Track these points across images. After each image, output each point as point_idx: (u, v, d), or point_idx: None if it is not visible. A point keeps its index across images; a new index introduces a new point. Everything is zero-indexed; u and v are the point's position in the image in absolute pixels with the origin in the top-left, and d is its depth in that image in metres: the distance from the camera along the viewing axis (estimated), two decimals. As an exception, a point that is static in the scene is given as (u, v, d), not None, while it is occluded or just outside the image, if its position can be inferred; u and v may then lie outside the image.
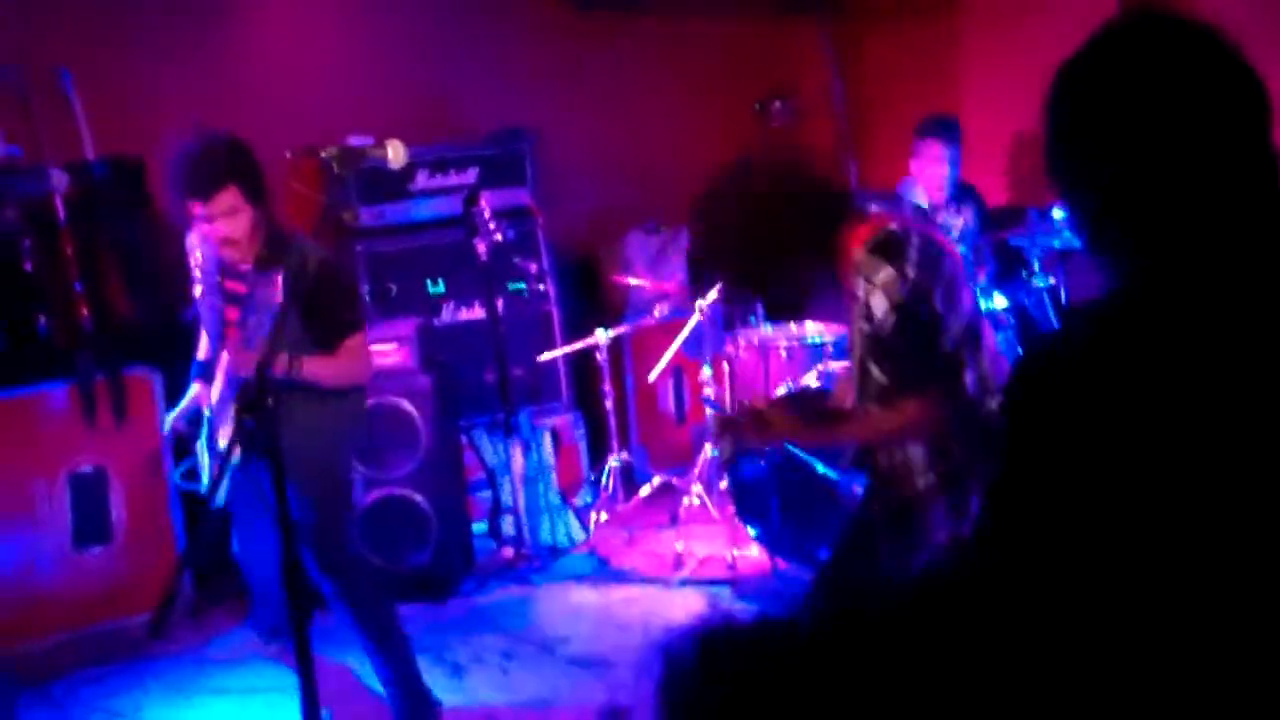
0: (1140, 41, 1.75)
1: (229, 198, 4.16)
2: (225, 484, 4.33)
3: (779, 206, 3.38)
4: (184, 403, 4.61)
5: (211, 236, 4.23)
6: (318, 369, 4.21)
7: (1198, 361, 1.64)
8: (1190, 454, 1.63)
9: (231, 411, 3.62)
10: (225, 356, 4.36)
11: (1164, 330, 1.68)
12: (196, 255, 4.50)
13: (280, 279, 3.48)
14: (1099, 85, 1.76)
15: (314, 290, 4.10)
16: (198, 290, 4.51)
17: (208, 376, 4.52)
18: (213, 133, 4.26)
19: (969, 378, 3.40)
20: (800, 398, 5.52)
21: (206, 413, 4.51)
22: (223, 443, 3.97)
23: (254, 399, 3.15)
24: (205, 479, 4.58)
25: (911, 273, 3.33)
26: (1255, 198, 1.72)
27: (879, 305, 3.31)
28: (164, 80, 6.18)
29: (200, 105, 6.13)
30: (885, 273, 3.31)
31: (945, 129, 6.38)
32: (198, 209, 4.17)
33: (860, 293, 3.34)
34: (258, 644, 5.35)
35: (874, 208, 3.63)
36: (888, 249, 3.36)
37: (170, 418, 4.64)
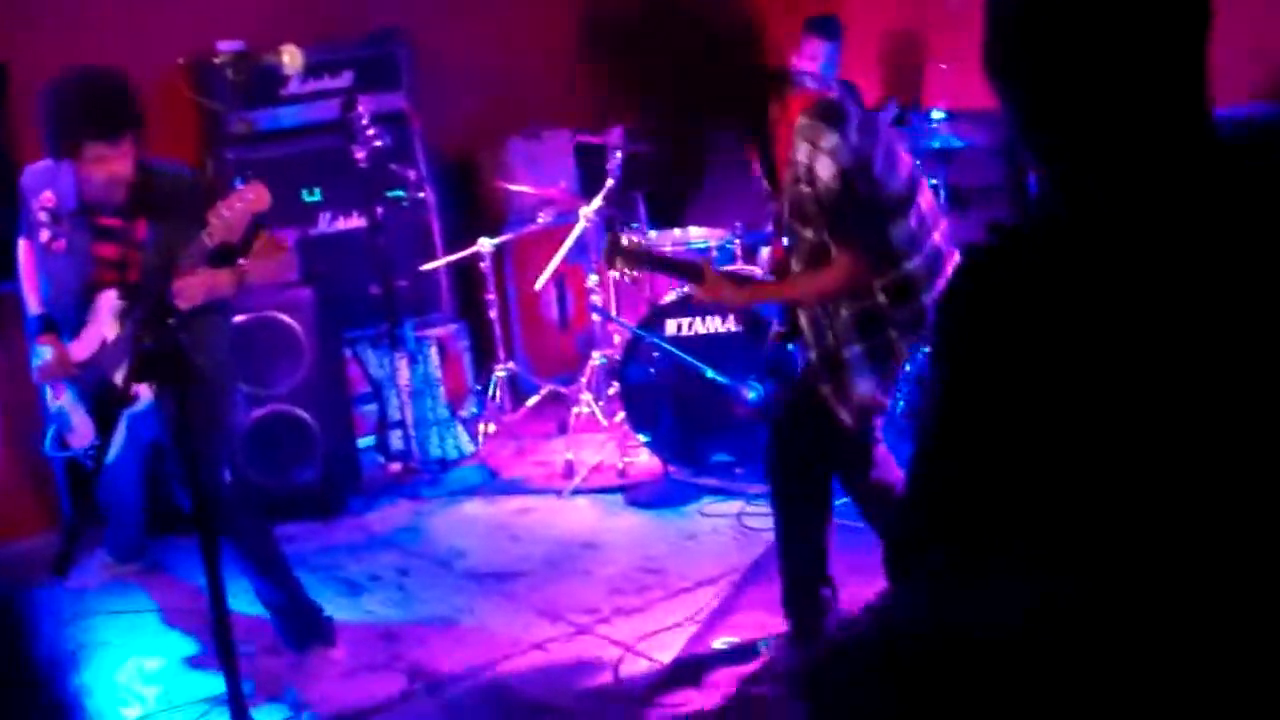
0: None
1: (130, 141, 3.99)
2: (121, 435, 4.20)
3: (715, 54, 3.54)
4: (47, 361, 4.36)
5: (97, 177, 4.04)
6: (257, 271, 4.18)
7: (1126, 277, 1.65)
8: (1117, 367, 1.65)
9: (123, 354, 3.45)
10: (108, 297, 4.19)
11: (1093, 246, 1.69)
12: (45, 195, 4.26)
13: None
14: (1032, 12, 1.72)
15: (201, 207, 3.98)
16: (45, 235, 4.27)
17: (65, 328, 4.32)
18: (104, 69, 4.03)
19: (899, 232, 3.65)
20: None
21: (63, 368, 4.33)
22: (120, 382, 3.80)
23: (156, 323, 3.03)
24: (76, 437, 4.39)
25: (855, 139, 3.55)
26: (1186, 110, 1.71)
27: (825, 169, 3.52)
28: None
29: (62, 6, 5.84)
30: (831, 139, 3.53)
31: (825, 27, 6.38)
32: (100, 148, 3.97)
33: (803, 157, 3.54)
34: (114, 567, 5.22)
35: (810, 82, 3.76)
36: (831, 116, 3.57)
37: (41, 373, 4.40)
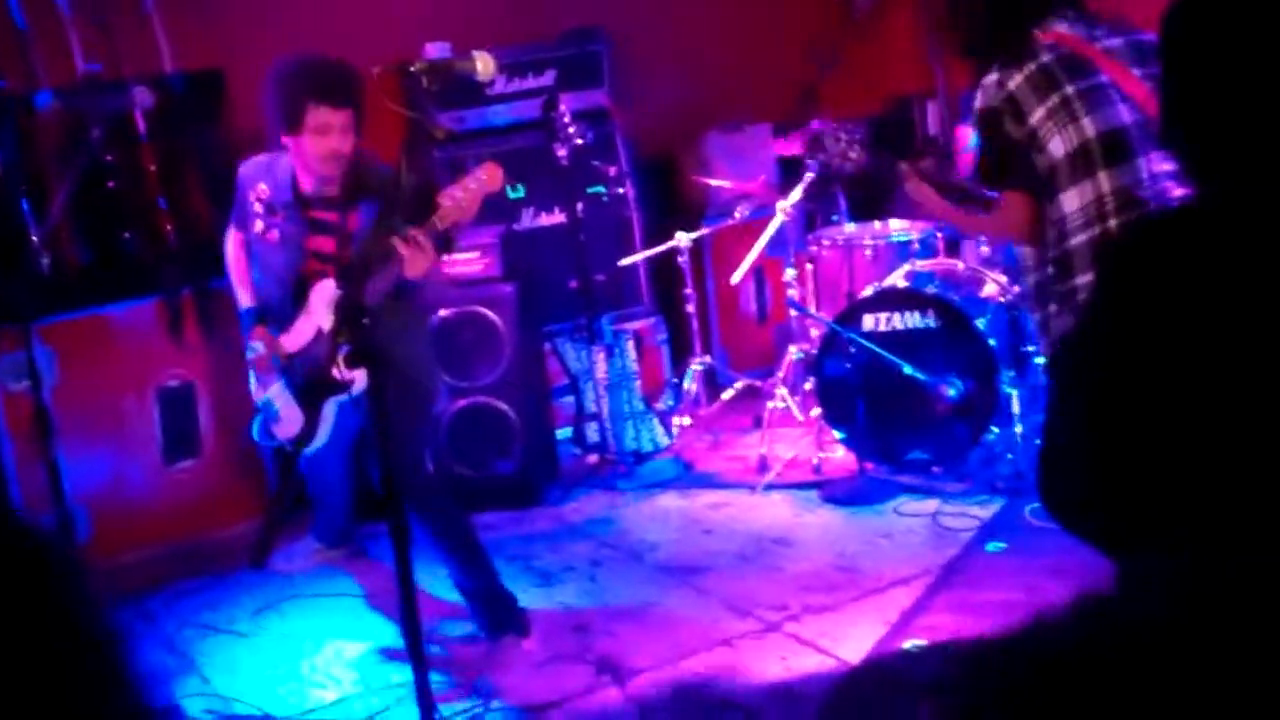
0: None
1: (351, 117, 4.17)
2: (329, 424, 4.34)
3: None
4: (260, 354, 4.54)
5: (320, 149, 4.20)
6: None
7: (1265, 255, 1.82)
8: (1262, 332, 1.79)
9: (336, 344, 3.58)
10: (324, 287, 4.35)
11: (1246, 228, 1.84)
12: (260, 188, 4.44)
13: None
14: (1196, 32, 1.91)
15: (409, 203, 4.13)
16: (259, 226, 4.45)
17: (278, 320, 4.50)
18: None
19: (1066, 203, 3.51)
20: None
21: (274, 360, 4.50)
22: (334, 371, 3.93)
23: (351, 323, 3.15)
24: (282, 427, 4.56)
25: (1013, 85, 3.52)
26: None
27: (976, 104, 3.59)
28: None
29: (275, 15, 6.08)
30: (989, 77, 3.55)
31: None
32: (323, 114, 4.15)
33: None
34: (322, 552, 5.41)
35: (1059, 26, 3.63)
36: (1012, 60, 3.55)
37: (256, 366, 4.60)
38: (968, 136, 6.44)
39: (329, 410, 4.38)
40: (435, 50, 5.85)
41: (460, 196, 4.05)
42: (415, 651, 3.38)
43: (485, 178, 4.09)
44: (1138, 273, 1.89)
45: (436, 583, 4.66)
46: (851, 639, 4.37)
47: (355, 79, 4.21)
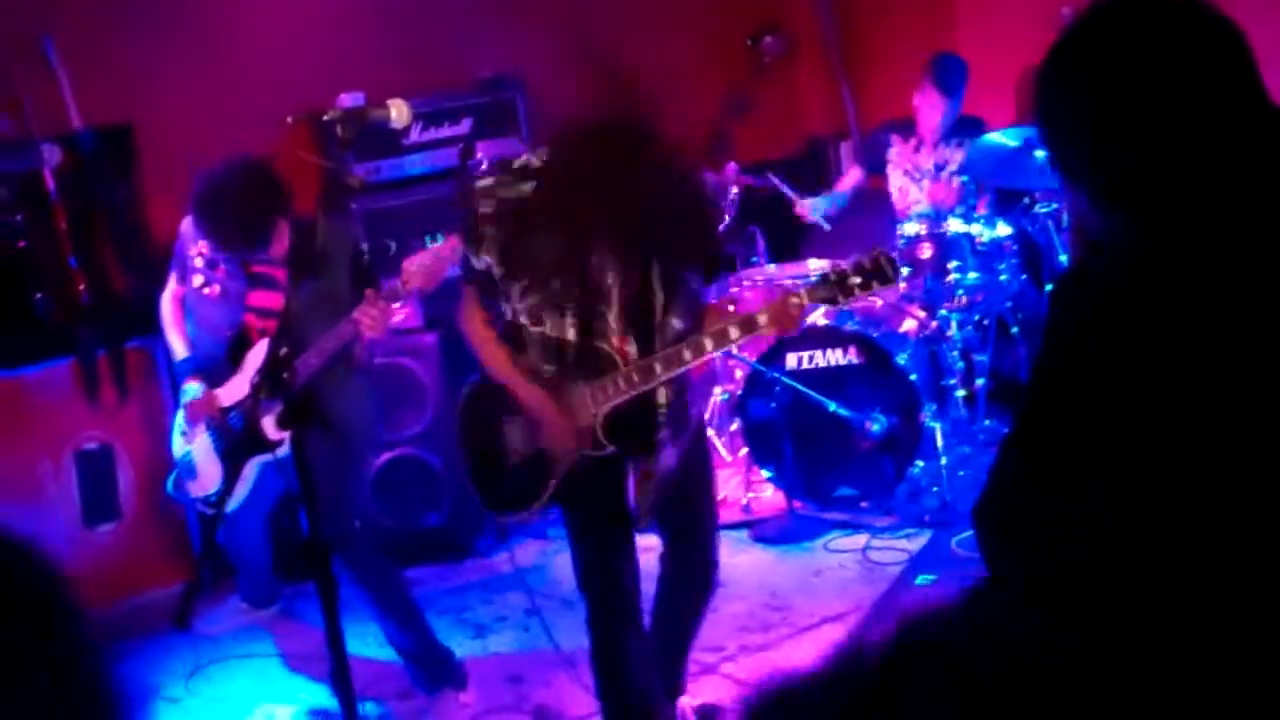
0: (1122, 18, 1.82)
1: (282, 230, 4.17)
2: (248, 485, 4.29)
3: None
4: (196, 398, 4.48)
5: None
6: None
7: (1208, 292, 1.76)
8: (1202, 371, 1.74)
9: (258, 399, 3.54)
10: (264, 346, 4.30)
11: (1170, 268, 1.79)
12: (202, 243, 4.41)
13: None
14: (1089, 67, 1.83)
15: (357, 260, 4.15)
16: (199, 281, 4.42)
17: (211, 377, 4.45)
18: (247, 166, 4.24)
19: None
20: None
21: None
22: (266, 431, 3.86)
23: (274, 379, 3.10)
24: (198, 484, 4.50)
25: None
26: (1256, 141, 1.79)
27: None
28: (146, 44, 6.03)
29: (184, 68, 6.00)
30: None
31: (947, 79, 6.26)
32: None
33: None
34: (248, 613, 5.32)
35: None
36: None
37: (189, 410, 4.54)
38: (855, 175, 6.61)
39: (250, 470, 4.32)
40: (349, 100, 5.79)
41: (429, 264, 4.04)
42: (348, 711, 3.31)
43: (449, 251, 4.08)
44: (1092, 304, 1.85)
45: (370, 640, 4.59)
46: (789, 678, 4.36)
47: (274, 201, 4.26)
